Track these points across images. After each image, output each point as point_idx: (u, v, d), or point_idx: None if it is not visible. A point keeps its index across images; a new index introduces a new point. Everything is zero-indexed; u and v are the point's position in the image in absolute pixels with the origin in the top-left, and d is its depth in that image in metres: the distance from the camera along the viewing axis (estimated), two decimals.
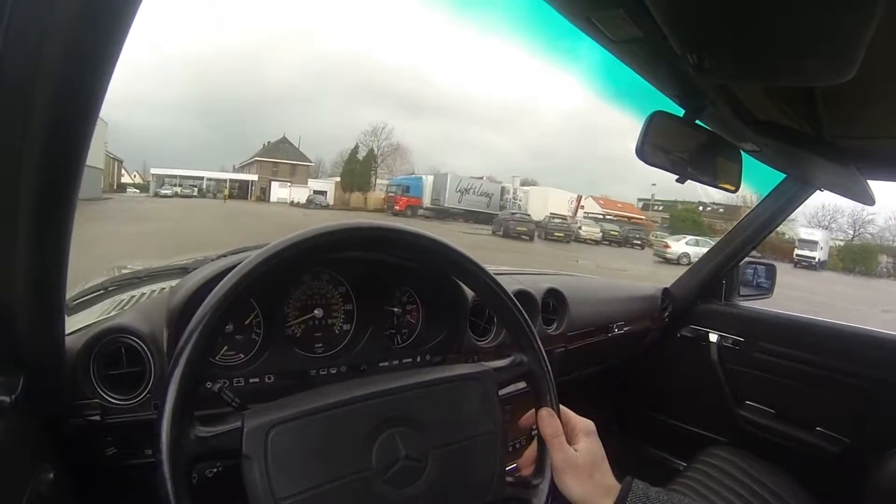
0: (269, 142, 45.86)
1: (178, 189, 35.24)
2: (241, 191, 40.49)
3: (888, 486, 1.07)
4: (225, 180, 41.05)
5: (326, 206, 32.26)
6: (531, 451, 0.57)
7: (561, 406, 0.57)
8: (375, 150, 39.53)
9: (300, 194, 36.37)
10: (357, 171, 36.44)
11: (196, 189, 36.67)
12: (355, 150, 38.51)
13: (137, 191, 37.57)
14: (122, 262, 1.12)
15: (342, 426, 0.46)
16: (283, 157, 42.01)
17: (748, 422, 1.45)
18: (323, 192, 37.80)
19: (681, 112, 0.82)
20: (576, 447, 0.53)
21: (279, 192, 38.13)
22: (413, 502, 0.46)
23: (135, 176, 45.26)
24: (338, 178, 40.65)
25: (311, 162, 44.45)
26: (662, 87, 0.79)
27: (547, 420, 0.54)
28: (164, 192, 33.84)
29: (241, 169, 47.46)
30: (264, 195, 38.51)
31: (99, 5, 0.31)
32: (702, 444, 1.33)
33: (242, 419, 0.43)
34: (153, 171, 38.74)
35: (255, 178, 40.38)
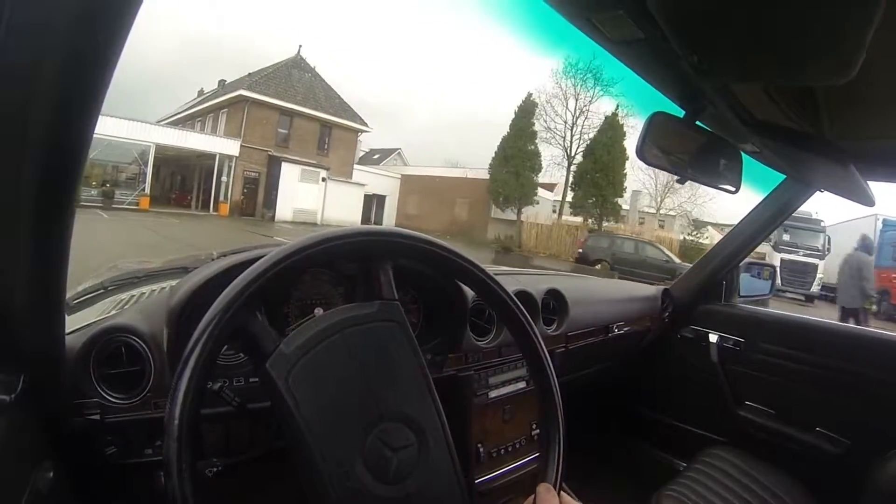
0: (247, 72, 18.22)
1: None
2: (173, 183, 18.10)
3: (888, 488, 1.06)
4: (147, 147, 14.23)
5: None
6: None
7: (562, 492, 0.51)
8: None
9: (346, 199, 15.94)
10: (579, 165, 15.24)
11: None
12: (530, 108, 16.15)
13: None
14: (122, 262, 1.12)
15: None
16: (303, 103, 17.07)
17: (748, 422, 1.44)
18: (383, 197, 18.86)
19: (681, 113, 0.82)
20: None
21: (300, 191, 15.86)
22: (371, 492, 0.45)
23: None
24: (404, 169, 19.93)
25: (367, 126, 19.19)
26: (662, 88, 0.80)
27: (545, 499, 0.48)
28: None
29: (185, 123, 19.70)
30: (253, 200, 15.95)
31: (99, 5, 0.31)
32: (702, 445, 1.33)
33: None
34: None
35: (234, 149, 15.52)
